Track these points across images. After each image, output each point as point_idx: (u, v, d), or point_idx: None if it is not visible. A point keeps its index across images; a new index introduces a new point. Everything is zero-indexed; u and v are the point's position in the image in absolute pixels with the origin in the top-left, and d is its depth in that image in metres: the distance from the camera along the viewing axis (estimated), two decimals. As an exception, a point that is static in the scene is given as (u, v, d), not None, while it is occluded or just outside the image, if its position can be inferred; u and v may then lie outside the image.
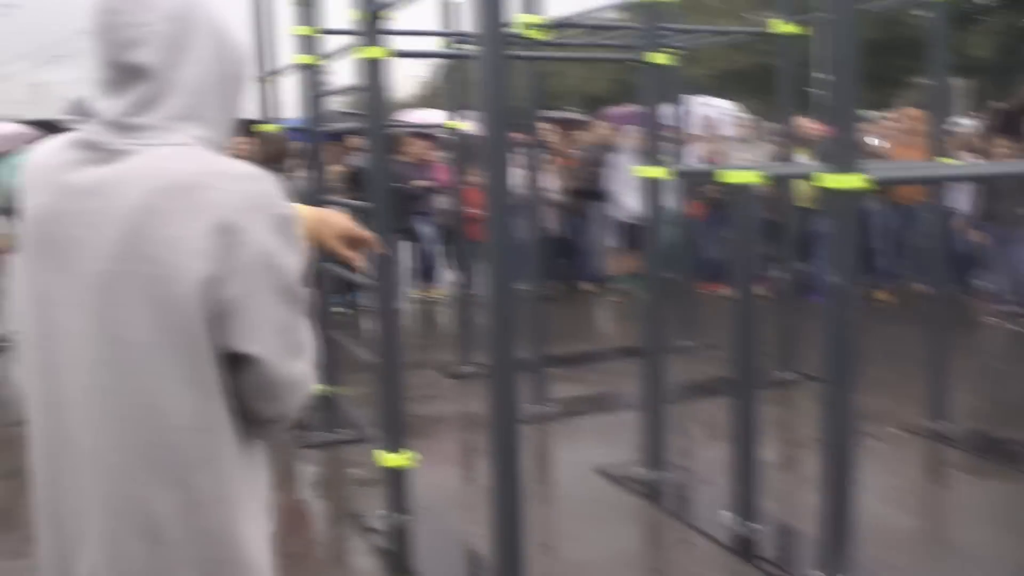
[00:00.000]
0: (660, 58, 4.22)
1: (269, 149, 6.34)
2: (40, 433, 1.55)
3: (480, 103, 3.01)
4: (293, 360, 1.50)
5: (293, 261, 1.47)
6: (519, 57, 5.30)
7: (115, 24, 1.46)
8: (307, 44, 5.23)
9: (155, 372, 1.41)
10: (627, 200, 9.75)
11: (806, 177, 3.31)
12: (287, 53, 5.71)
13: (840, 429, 3.30)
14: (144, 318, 1.40)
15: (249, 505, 1.52)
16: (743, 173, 3.47)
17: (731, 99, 13.64)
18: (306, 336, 1.53)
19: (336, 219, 1.89)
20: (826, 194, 3.16)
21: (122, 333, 1.41)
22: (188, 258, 1.37)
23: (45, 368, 1.50)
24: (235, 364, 1.46)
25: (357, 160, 10.49)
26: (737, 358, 4.08)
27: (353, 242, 1.93)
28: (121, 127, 1.45)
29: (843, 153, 3.14)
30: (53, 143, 1.53)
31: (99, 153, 1.44)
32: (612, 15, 8.35)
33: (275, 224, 1.44)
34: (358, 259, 1.95)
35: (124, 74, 1.47)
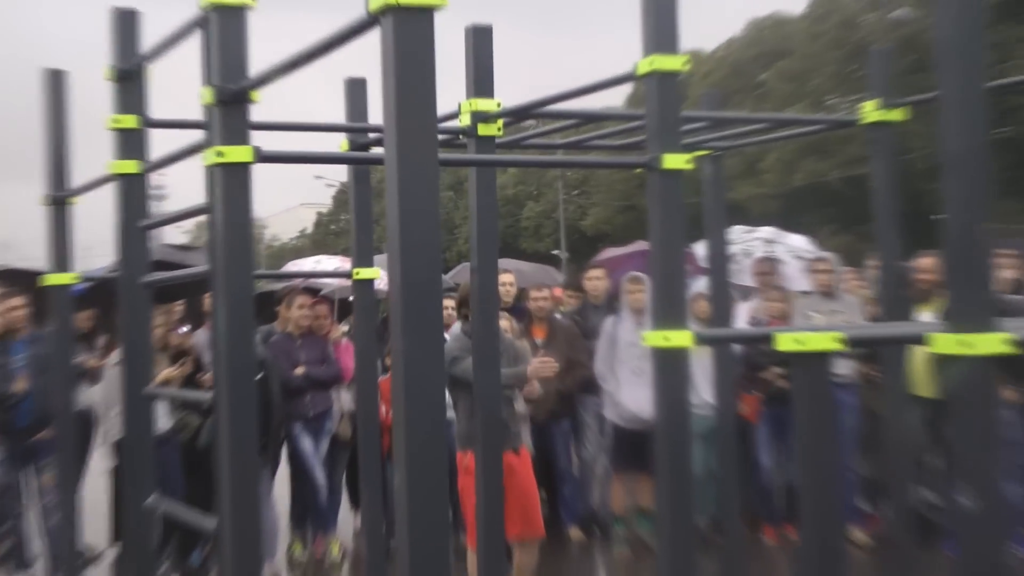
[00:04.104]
0: (679, 161, 2.71)
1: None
2: None
3: (395, 239, 1.84)
4: None
5: None
6: (454, 162, 3.80)
7: None
8: (130, 143, 3.38)
9: None
10: (629, 393, 6.26)
11: (920, 341, 2.12)
12: (96, 160, 3.64)
13: None
14: None
15: None
16: (817, 336, 2.28)
17: (799, 230, 9.30)
18: None
19: None
20: (944, 361, 2.03)
21: None
22: None
23: None
24: None
25: (202, 333, 6.45)
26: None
27: None
28: None
29: (978, 307, 2.02)
30: None
31: None
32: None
33: None
34: None
35: None
